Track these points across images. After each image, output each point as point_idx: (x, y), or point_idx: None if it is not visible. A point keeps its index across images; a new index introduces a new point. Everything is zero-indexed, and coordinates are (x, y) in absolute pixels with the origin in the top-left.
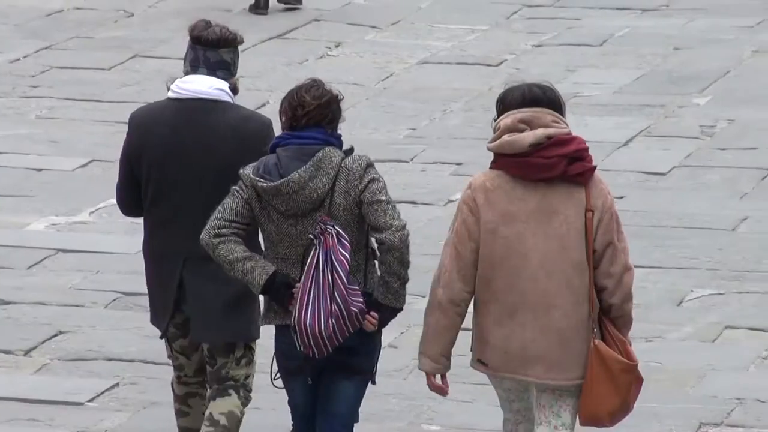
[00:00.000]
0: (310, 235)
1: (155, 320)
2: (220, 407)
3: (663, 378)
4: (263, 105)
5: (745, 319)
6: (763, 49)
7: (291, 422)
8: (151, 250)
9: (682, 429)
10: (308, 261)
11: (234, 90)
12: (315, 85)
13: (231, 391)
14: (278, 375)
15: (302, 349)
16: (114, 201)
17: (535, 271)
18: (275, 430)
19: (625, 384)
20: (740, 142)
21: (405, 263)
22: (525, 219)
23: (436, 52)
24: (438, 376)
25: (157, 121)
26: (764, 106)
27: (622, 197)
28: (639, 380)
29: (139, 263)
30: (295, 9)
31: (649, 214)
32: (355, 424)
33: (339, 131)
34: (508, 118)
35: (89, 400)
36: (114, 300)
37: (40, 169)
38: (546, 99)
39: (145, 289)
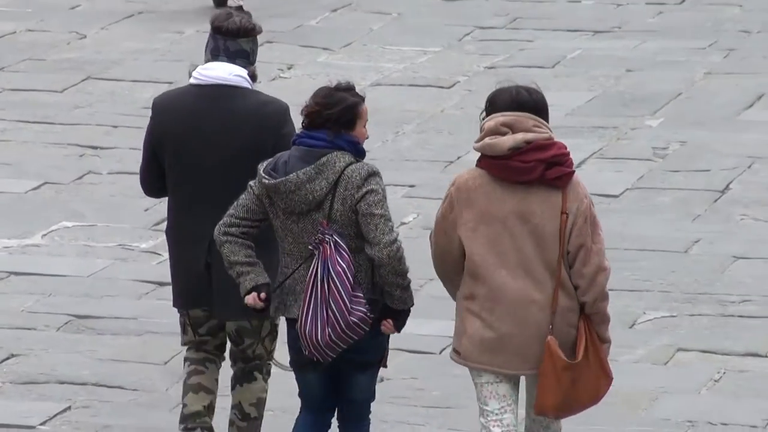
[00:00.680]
0: (309, 246)
1: (178, 303)
2: (247, 397)
3: (616, 401)
4: None
5: (698, 341)
6: (714, 71)
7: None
8: (175, 233)
9: None
10: (310, 270)
11: (253, 77)
12: (337, 86)
13: (256, 374)
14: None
15: (306, 353)
16: (66, 224)
17: (513, 270)
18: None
19: (567, 381)
20: (692, 164)
21: (400, 273)
22: (503, 219)
23: (389, 74)
24: None
25: (178, 106)
26: (716, 128)
27: None
28: (597, 381)
29: (92, 287)
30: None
31: None
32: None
33: (366, 136)
34: (492, 121)
35: (41, 424)
36: (66, 323)
37: None
38: (532, 102)
39: (97, 312)
